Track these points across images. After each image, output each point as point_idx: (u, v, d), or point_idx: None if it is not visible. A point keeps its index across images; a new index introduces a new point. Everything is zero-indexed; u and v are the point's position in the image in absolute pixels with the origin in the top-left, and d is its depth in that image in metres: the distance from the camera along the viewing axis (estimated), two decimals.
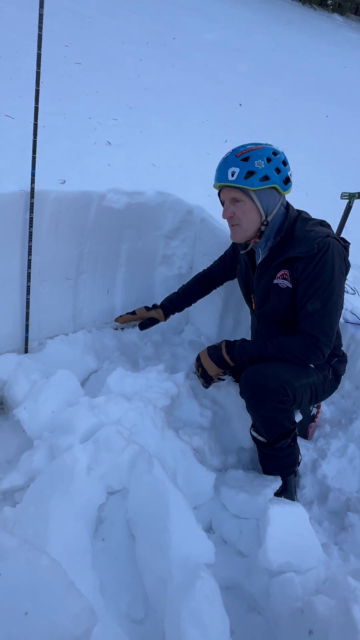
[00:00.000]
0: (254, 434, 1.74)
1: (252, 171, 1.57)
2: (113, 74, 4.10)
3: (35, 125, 1.80)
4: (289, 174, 1.64)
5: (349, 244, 1.71)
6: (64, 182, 2.05)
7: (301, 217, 1.70)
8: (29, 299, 2.02)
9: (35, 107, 1.77)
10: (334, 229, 2.69)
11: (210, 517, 1.66)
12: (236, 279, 2.07)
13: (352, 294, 2.45)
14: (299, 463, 1.82)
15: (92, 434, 1.57)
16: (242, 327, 2.43)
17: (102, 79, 3.81)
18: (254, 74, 6.35)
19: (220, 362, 1.76)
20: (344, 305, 2.28)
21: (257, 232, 1.68)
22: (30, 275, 1.98)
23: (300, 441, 1.95)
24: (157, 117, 3.56)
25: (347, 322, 2.22)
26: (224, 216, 1.71)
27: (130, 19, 6.10)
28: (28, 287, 2.00)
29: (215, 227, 2.36)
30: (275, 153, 1.60)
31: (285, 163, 1.62)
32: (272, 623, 1.32)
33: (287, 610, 1.26)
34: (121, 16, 6.01)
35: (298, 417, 1.90)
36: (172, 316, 2.24)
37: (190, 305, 2.25)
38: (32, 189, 1.84)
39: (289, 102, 5.87)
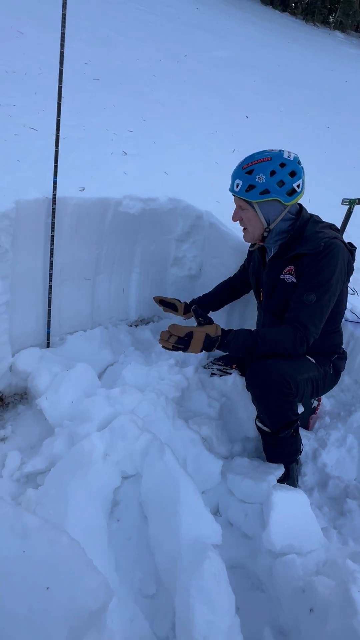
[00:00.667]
0: (259, 424, 1.72)
1: (253, 185, 1.58)
2: (128, 89, 4.09)
3: (57, 137, 1.80)
4: (295, 185, 1.58)
5: (356, 248, 1.69)
6: (83, 189, 2.05)
7: (312, 220, 1.69)
8: (50, 297, 2.02)
9: (57, 119, 1.77)
10: None
11: (217, 501, 1.65)
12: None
13: (351, 294, 2.42)
14: (300, 452, 1.81)
15: (108, 423, 1.58)
16: (248, 324, 2.41)
17: (119, 94, 3.80)
18: (261, 88, 6.29)
19: (208, 346, 1.57)
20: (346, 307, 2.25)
21: (262, 236, 1.70)
22: (51, 276, 1.98)
23: (301, 431, 1.93)
24: (169, 129, 3.54)
25: (347, 320, 2.19)
26: (232, 219, 1.74)
27: (144, 37, 6.08)
28: (50, 287, 2.00)
29: (223, 231, 2.34)
30: (283, 164, 1.56)
31: (294, 173, 1.57)
32: (275, 601, 1.31)
33: (289, 589, 1.25)
34: (136, 35, 5.99)
35: (300, 409, 1.88)
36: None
37: (216, 309, 2.20)
38: (54, 195, 1.84)
39: (293, 114, 5.81)
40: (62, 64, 1.69)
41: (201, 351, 1.56)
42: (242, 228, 1.74)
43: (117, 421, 1.55)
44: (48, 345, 2.14)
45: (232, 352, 1.60)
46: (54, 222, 1.89)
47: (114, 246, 2.27)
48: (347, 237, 2.83)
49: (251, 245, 1.83)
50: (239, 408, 1.94)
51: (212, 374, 2.19)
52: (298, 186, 1.59)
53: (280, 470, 1.68)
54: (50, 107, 2.43)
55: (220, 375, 2.14)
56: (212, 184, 2.82)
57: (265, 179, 1.55)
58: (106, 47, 4.96)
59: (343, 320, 2.15)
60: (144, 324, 2.62)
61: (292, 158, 1.59)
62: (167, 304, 2.20)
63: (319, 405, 2.13)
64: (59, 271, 2.07)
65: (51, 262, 1.96)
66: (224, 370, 2.23)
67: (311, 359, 1.69)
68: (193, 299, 2.21)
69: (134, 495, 1.51)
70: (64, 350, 2.13)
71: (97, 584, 0.80)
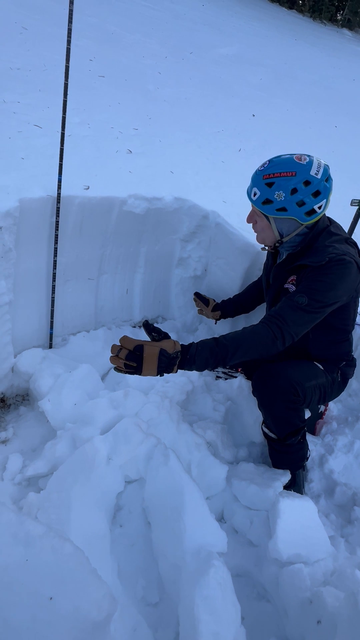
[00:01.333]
0: (265, 430, 1.71)
1: (271, 200, 1.47)
2: (134, 86, 4.08)
3: (62, 134, 1.79)
4: (316, 206, 1.46)
5: None
6: (88, 187, 2.04)
7: (328, 230, 1.56)
8: (53, 297, 2.01)
9: (62, 117, 1.76)
10: None
11: (222, 507, 1.64)
12: None
13: None
14: (307, 458, 1.79)
15: (111, 426, 1.57)
16: None
17: (124, 91, 3.80)
18: (267, 86, 6.28)
19: (162, 372, 1.29)
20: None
21: (273, 245, 1.64)
22: (55, 275, 1.98)
23: (308, 437, 1.91)
24: (175, 127, 3.53)
25: (357, 324, 2.17)
26: (247, 221, 1.65)
27: (150, 34, 6.07)
28: (53, 287, 1.99)
29: (229, 231, 2.33)
30: (307, 182, 1.43)
31: (317, 193, 1.44)
32: (282, 611, 1.29)
33: (296, 600, 1.23)
34: (142, 32, 5.99)
35: (307, 414, 1.87)
36: (188, 316, 2.21)
37: (247, 311, 2.15)
38: (59, 194, 1.83)
39: (300, 112, 5.79)
40: (69, 60, 1.68)
41: (159, 373, 1.26)
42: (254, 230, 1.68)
43: (121, 424, 1.54)
44: (51, 346, 2.13)
45: (200, 367, 1.32)
46: (58, 221, 1.88)
47: (118, 246, 2.26)
48: (355, 239, 2.82)
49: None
50: (245, 412, 1.92)
51: (218, 377, 2.17)
52: (320, 207, 1.48)
53: (286, 477, 1.67)
54: (54, 104, 2.42)
55: (226, 379, 2.13)
56: (219, 183, 2.80)
57: (285, 197, 1.44)
58: (111, 44, 4.95)
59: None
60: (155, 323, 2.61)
61: (319, 175, 1.44)
62: (202, 298, 2.19)
63: (325, 410, 2.11)
64: (63, 271, 2.06)
65: (55, 262, 1.95)
66: (230, 373, 2.21)
67: (319, 365, 1.67)
68: (223, 300, 2.18)
69: (137, 501, 1.50)
70: (66, 351, 2.12)
71: (101, 595, 0.78)
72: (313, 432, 2.09)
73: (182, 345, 1.32)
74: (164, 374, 1.28)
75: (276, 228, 1.56)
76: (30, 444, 1.79)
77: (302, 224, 1.52)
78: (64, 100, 1.74)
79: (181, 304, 2.66)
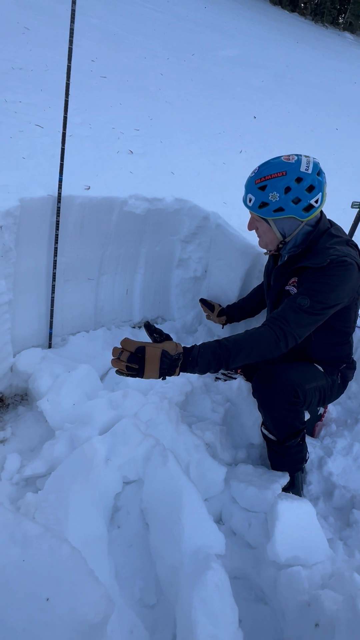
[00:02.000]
0: (265, 431, 1.70)
1: (266, 202, 1.48)
2: (135, 87, 4.08)
3: (64, 134, 1.79)
4: (312, 201, 1.46)
5: None
6: (89, 188, 2.04)
7: (329, 232, 1.56)
8: (53, 297, 2.01)
9: (64, 117, 1.76)
10: None
11: (221, 509, 1.63)
12: None
13: None
14: (306, 460, 1.79)
15: (110, 427, 1.56)
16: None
17: (126, 92, 3.80)
18: (268, 88, 6.29)
19: (164, 375, 1.27)
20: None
21: (277, 247, 1.63)
22: (55, 275, 1.97)
23: (307, 439, 1.90)
24: (176, 128, 3.54)
25: (357, 327, 2.16)
26: (248, 228, 1.65)
27: (152, 36, 6.08)
28: (53, 286, 1.99)
29: (230, 232, 2.33)
30: (299, 179, 1.43)
31: (311, 188, 1.45)
32: (279, 614, 1.28)
33: (294, 603, 1.23)
34: (144, 33, 6.00)
35: (306, 416, 1.86)
36: (187, 317, 2.21)
37: (253, 315, 2.15)
38: (59, 194, 1.83)
39: (301, 115, 5.80)
40: (70, 60, 1.68)
41: (162, 376, 1.24)
42: (257, 235, 1.67)
43: (120, 425, 1.54)
44: (50, 346, 2.12)
45: (202, 370, 1.30)
46: (58, 221, 1.88)
47: (118, 246, 2.26)
48: (356, 240, 2.82)
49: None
50: (244, 414, 1.92)
51: (217, 379, 2.17)
52: (316, 201, 1.48)
53: (285, 479, 1.66)
54: (56, 104, 2.42)
55: (225, 380, 2.13)
56: (219, 185, 2.80)
57: (280, 197, 1.45)
58: (114, 45, 4.96)
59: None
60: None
61: (310, 170, 1.44)
62: (207, 304, 2.20)
63: (325, 412, 2.11)
64: (63, 271, 2.06)
65: (55, 262, 1.95)
66: (229, 374, 2.21)
67: (319, 367, 1.67)
68: (228, 305, 2.18)
69: (135, 502, 1.50)
70: (66, 351, 2.12)
71: (98, 596, 0.78)
72: (312, 434, 2.08)
73: (184, 347, 1.30)
74: (166, 377, 1.26)
75: (277, 229, 1.56)
76: (28, 444, 1.79)
77: (302, 221, 1.52)
78: (65, 100, 1.74)
79: (181, 304, 2.66)
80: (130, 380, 1.90)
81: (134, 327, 2.53)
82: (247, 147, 3.91)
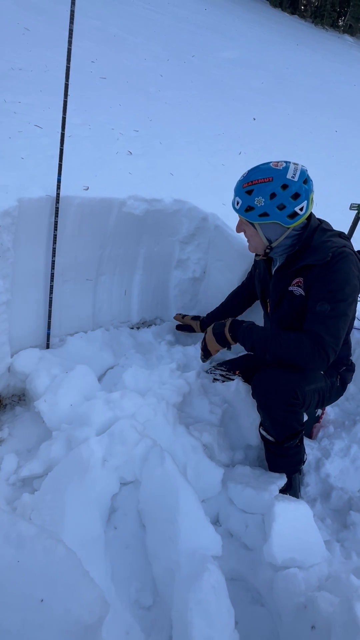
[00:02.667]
0: (263, 432, 1.70)
1: (252, 207, 1.51)
2: (135, 88, 4.09)
3: (63, 135, 1.78)
4: (297, 208, 1.49)
5: None
6: (88, 188, 2.03)
7: (320, 228, 1.61)
8: (51, 297, 2.01)
9: (62, 117, 1.76)
10: None
11: (218, 510, 1.63)
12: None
13: (358, 301, 2.40)
14: (304, 462, 1.78)
15: (107, 427, 1.56)
16: None
17: (125, 93, 3.81)
18: (268, 90, 6.30)
19: (220, 338, 1.68)
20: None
21: (264, 251, 1.66)
22: (53, 276, 1.97)
23: (304, 440, 1.90)
24: (176, 129, 3.54)
25: (354, 328, 2.16)
26: (236, 230, 1.69)
27: (152, 37, 6.09)
28: (51, 287, 1.99)
29: (228, 233, 2.33)
30: (285, 186, 1.46)
31: (296, 196, 1.47)
32: (276, 616, 1.28)
33: (290, 605, 1.22)
34: (144, 34, 6.01)
35: (304, 418, 1.86)
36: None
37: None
38: (58, 194, 1.83)
39: (301, 117, 5.81)
40: (70, 60, 1.69)
41: (220, 344, 1.70)
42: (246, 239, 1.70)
43: (117, 426, 1.54)
44: (48, 347, 2.12)
45: (242, 338, 1.62)
46: (57, 221, 1.88)
47: (117, 247, 2.26)
48: (354, 243, 2.82)
49: (256, 255, 1.78)
50: (242, 415, 1.92)
51: (215, 380, 2.16)
52: (301, 209, 1.50)
53: (282, 480, 1.66)
54: (55, 104, 2.42)
55: (223, 381, 2.12)
56: (218, 186, 2.81)
57: (265, 202, 1.48)
58: (113, 46, 4.97)
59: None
60: (145, 327, 2.60)
61: (296, 178, 1.47)
62: (184, 328, 2.29)
63: (323, 414, 2.11)
64: (61, 271, 2.05)
65: (53, 262, 1.95)
66: (227, 376, 2.20)
67: None
68: (208, 314, 2.23)
69: (132, 503, 1.49)
70: (63, 351, 2.12)
71: (93, 597, 0.78)
72: (310, 436, 2.08)
73: (234, 319, 1.70)
74: (222, 345, 1.70)
75: (263, 234, 1.58)
76: (25, 444, 1.78)
77: (287, 228, 1.54)
78: (64, 100, 1.74)
79: (180, 305, 2.66)
80: (128, 381, 1.90)
81: (132, 328, 2.53)
82: (247, 148, 3.92)
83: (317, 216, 1.71)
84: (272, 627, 1.29)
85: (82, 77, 3.54)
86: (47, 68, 3.37)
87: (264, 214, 1.50)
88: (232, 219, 2.40)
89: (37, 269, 1.96)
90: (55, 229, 1.89)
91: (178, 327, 2.37)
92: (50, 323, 2.06)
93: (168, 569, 1.26)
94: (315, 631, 1.12)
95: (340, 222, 2.92)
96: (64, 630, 0.75)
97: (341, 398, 2.21)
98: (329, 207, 3.41)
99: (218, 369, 2.21)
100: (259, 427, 1.74)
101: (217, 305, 2.22)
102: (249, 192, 1.50)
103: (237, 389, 1.97)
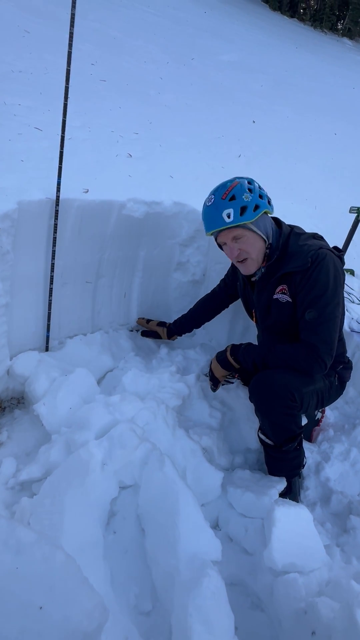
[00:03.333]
0: (262, 436, 1.70)
1: (245, 206, 1.55)
2: (135, 91, 4.09)
3: (62, 138, 1.78)
4: (267, 194, 1.63)
5: (343, 252, 1.68)
6: (87, 191, 2.03)
7: (294, 233, 1.67)
8: (51, 300, 2.00)
9: (62, 120, 1.76)
10: (342, 241, 2.65)
11: (217, 514, 1.62)
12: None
13: (358, 303, 2.40)
14: (304, 465, 1.78)
15: (107, 431, 1.55)
16: (251, 332, 2.39)
17: (125, 96, 3.81)
18: (268, 93, 6.31)
19: (224, 363, 1.77)
20: (350, 314, 2.23)
21: (265, 256, 1.66)
22: (53, 278, 1.97)
23: (304, 444, 1.90)
24: (175, 132, 3.54)
25: (352, 330, 2.16)
26: (230, 257, 1.67)
27: (152, 40, 6.11)
28: (50, 289, 1.98)
29: None
30: (249, 182, 1.60)
31: (259, 187, 1.62)
32: (275, 621, 1.27)
33: (291, 610, 1.22)
34: (144, 37, 6.02)
35: (303, 421, 1.86)
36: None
37: (199, 327, 2.26)
38: (58, 197, 1.83)
39: (300, 120, 5.82)
40: (70, 64, 1.69)
41: (225, 368, 1.78)
42: (240, 261, 1.67)
43: (116, 429, 1.53)
44: (47, 349, 2.12)
45: (243, 358, 1.69)
46: (56, 224, 1.88)
47: (116, 250, 2.26)
48: (353, 246, 2.83)
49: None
50: (241, 418, 1.91)
51: None
52: (267, 195, 1.63)
53: (282, 484, 1.66)
54: (55, 107, 2.43)
55: (223, 384, 2.12)
56: None
57: (250, 195, 1.56)
58: (113, 49, 4.98)
59: (349, 330, 2.14)
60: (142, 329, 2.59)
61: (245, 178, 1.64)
62: (149, 333, 2.31)
63: (322, 417, 2.10)
64: (60, 274, 2.05)
65: (52, 265, 1.94)
66: (226, 379, 2.20)
67: None
68: (175, 320, 2.26)
69: (131, 507, 1.48)
70: (63, 354, 2.11)
71: (92, 604, 0.77)
72: (309, 439, 2.08)
73: (233, 344, 1.78)
74: (227, 370, 1.78)
75: (261, 231, 1.61)
76: (24, 447, 1.77)
77: (271, 214, 1.64)
78: (64, 103, 1.74)
79: (179, 308, 2.65)
80: (127, 384, 1.90)
81: (131, 331, 2.53)
82: (246, 151, 3.92)
83: (314, 219, 1.74)
84: (272, 633, 1.28)
85: (82, 80, 3.54)
86: (47, 70, 3.37)
87: (256, 207, 1.57)
88: None
89: (37, 271, 1.96)
90: (55, 231, 1.89)
91: (143, 333, 2.38)
92: (50, 326, 2.06)
93: (167, 574, 1.25)
94: (315, 637, 1.11)
95: (339, 225, 2.93)
96: (63, 637, 0.74)
97: (341, 401, 2.22)
98: (329, 210, 3.41)
99: None
100: (258, 430, 1.74)
101: (185, 312, 2.26)
102: (233, 198, 1.56)
103: (237, 393, 1.97)
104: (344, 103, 7.80)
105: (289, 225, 1.73)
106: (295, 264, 1.55)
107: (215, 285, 2.23)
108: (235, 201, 1.54)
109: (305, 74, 8.62)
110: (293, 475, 1.72)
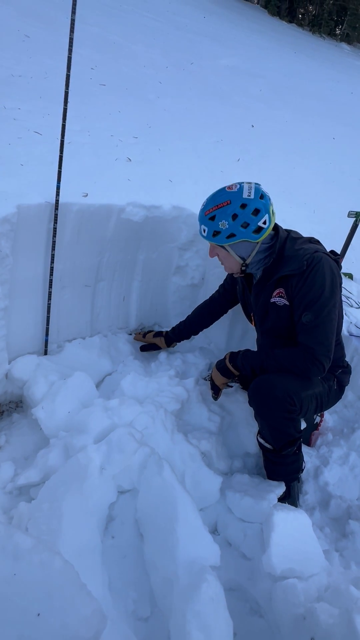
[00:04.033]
0: (261, 440, 1.70)
1: (218, 231, 1.56)
2: (134, 95, 4.11)
3: (62, 142, 1.79)
4: (260, 223, 1.54)
5: (339, 256, 1.69)
6: (87, 195, 2.04)
7: (290, 237, 1.68)
8: (50, 304, 2.00)
9: (62, 124, 1.76)
10: (340, 245, 2.66)
11: (216, 519, 1.62)
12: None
13: (357, 307, 2.40)
14: (302, 470, 1.78)
15: (105, 435, 1.55)
16: (250, 336, 2.39)
17: (124, 100, 3.82)
18: (266, 97, 6.34)
19: (224, 371, 1.78)
20: (349, 318, 2.24)
21: (241, 269, 1.70)
22: (52, 282, 1.97)
23: (303, 448, 1.90)
24: (174, 136, 3.55)
25: (351, 334, 2.17)
26: (210, 256, 1.73)
27: (151, 44, 6.13)
28: (49, 293, 1.98)
29: None
30: (244, 205, 1.52)
31: (257, 211, 1.53)
32: (274, 627, 1.27)
33: (289, 616, 1.21)
34: (143, 42, 6.05)
35: (302, 425, 1.86)
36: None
37: (197, 333, 2.25)
38: (57, 201, 1.83)
39: (299, 124, 5.84)
40: (70, 69, 1.69)
41: (225, 376, 1.78)
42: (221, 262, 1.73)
43: (115, 434, 1.52)
44: (46, 353, 2.11)
45: (242, 365, 1.70)
46: (55, 228, 1.88)
47: (115, 253, 2.26)
48: (352, 250, 2.83)
49: (234, 273, 1.82)
50: (240, 422, 1.91)
51: None
52: (264, 223, 1.55)
53: (281, 489, 1.65)
54: (55, 111, 2.43)
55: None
56: None
57: (229, 224, 1.53)
58: (113, 54, 5.00)
59: (348, 334, 2.14)
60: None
61: (252, 196, 1.53)
62: (148, 347, 2.29)
63: (321, 421, 2.10)
64: (59, 277, 2.05)
65: (52, 268, 1.94)
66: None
67: None
68: (173, 328, 2.24)
69: (130, 511, 1.48)
70: (61, 358, 2.11)
71: (90, 611, 0.77)
72: (308, 444, 2.08)
73: (231, 352, 1.78)
74: (227, 377, 1.78)
75: (235, 254, 1.63)
76: (22, 452, 1.77)
77: (256, 242, 1.60)
78: (64, 108, 1.74)
79: (178, 312, 2.65)
80: (126, 388, 1.89)
81: (130, 334, 2.52)
82: (245, 155, 3.93)
83: (313, 223, 1.75)
84: (271, 639, 1.27)
85: (81, 84, 3.55)
86: (46, 75, 3.38)
87: (231, 235, 1.56)
88: None
89: (36, 275, 1.96)
90: (54, 235, 1.89)
91: (142, 348, 2.33)
92: (49, 329, 2.06)
93: (166, 579, 1.25)
94: None
95: (338, 229, 2.94)
96: None
97: (340, 405, 2.21)
98: (327, 214, 3.43)
99: None
100: (257, 435, 1.73)
101: (183, 319, 2.24)
102: (212, 219, 1.56)
103: (236, 397, 1.97)
104: (342, 107, 7.85)
105: (286, 230, 1.74)
106: (292, 267, 1.57)
107: (213, 290, 2.23)
108: (212, 223, 1.56)
109: (303, 79, 8.67)
110: (292, 479, 1.71)
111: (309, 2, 17.77)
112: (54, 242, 1.90)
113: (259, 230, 1.56)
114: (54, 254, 1.92)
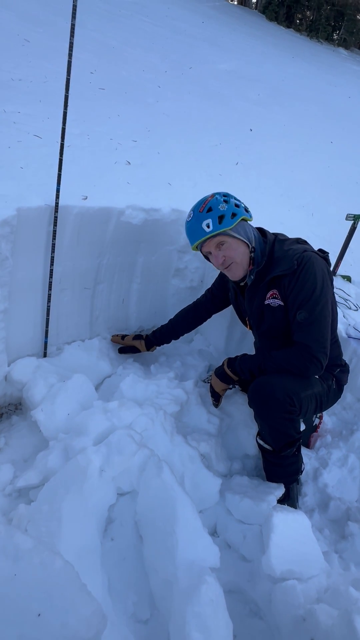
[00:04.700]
0: (260, 442, 1.70)
1: (222, 215, 1.63)
2: (134, 99, 4.13)
3: (62, 145, 1.80)
4: (243, 203, 1.71)
5: (328, 253, 1.70)
6: (86, 198, 2.05)
7: (278, 239, 1.73)
8: (49, 306, 2.01)
9: (62, 128, 1.78)
10: (338, 248, 2.67)
11: (215, 521, 1.62)
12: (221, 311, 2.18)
13: (355, 310, 2.41)
14: (302, 471, 1.78)
15: (105, 437, 1.55)
16: (248, 338, 2.40)
17: (124, 104, 3.84)
18: (264, 101, 6.38)
19: (223, 377, 1.80)
20: (347, 320, 2.25)
21: (250, 260, 1.71)
22: (51, 284, 1.97)
23: (302, 450, 1.90)
24: (173, 140, 3.57)
25: (349, 337, 2.18)
26: (216, 265, 1.72)
27: (150, 49, 6.17)
28: (49, 295, 1.99)
29: None
30: (225, 195, 1.68)
31: (236, 199, 1.70)
32: (274, 629, 1.27)
33: (289, 617, 1.21)
34: (142, 47, 6.09)
35: (301, 427, 1.86)
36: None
37: (178, 338, 2.23)
38: (57, 203, 1.84)
39: (297, 128, 5.88)
40: (69, 72, 1.71)
41: (225, 382, 1.82)
42: (226, 267, 1.71)
43: (114, 435, 1.53)
44: (45, 355, 2.11)
45: (240, 369, 1.72)
46: (55, 230, 1.89)
47: (115, 256, 2.27)
48: (350, 253, 2.84)
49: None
50: (239, 425, 1.91)
51: None
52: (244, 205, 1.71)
53: (280, 490, 1.65)
54: (54, 115, 2.45)
55: None
56: None
57: (226, 206, 1.64)
58: (112, 58, 5.03)
59: (346, 337, 2.15)
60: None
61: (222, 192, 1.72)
62: (127, 349, 2.25)
63: (320, 423, 2.10)
64: (59, 280, 2.06)
65: (51, 271, 1.95)
66: None
67: None
68: (154, 331, 2.22)
69: (129, 513, 1.48)
70: (61, 360, 2.11)
71: (90, 611, 0.77)
72: (307, 445, 2.08)
73: (229, 357, 1.83)
74: (227, 383, 1.82)
75: (242, 236, 1.67)
76: (22, 454, 1.77)
77: (250, 221, 1.71)
78: (64, 111, 1.76)
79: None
80: (125, 390, 1.90)
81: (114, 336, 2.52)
82: (243, 158, 3.96)
83: (311, 226, 1.77)
84: None
85: (81, 88, 3.57)
86: (46, 79, 3.40)
87: (233, 214, 1.64)
88: None
89: (35, 277, 1.96)
90: (54, 238, 1.90)
91: (121, 350, 2.29)
92: (48, 332, 2.06)
93: (165, 581, 1.25)
94: None
95: (336, 232, 2.95)
96: None
97: (338, 407, 2.22)
98: (325, 217, 3.44)
99: None
100: (256, 436, 1.74)
101: (165, 323, 2.24)
102: (210, 209, 1.64)
103: (235, 399, 1.97)
104: (339, 111, 7.90)
105: (273, 233, 1.79)
106: (283, 267, 1.60)
107: None
108: (213, 212, 1.63)
109: (301, 83, 8.72)
110: (291, 481, 1.72)
111: (306, 8, 17.90)
112: (53, 245, 1.91)
113: (247, 209, 1.70)
114: (53, 257, 1.93)
